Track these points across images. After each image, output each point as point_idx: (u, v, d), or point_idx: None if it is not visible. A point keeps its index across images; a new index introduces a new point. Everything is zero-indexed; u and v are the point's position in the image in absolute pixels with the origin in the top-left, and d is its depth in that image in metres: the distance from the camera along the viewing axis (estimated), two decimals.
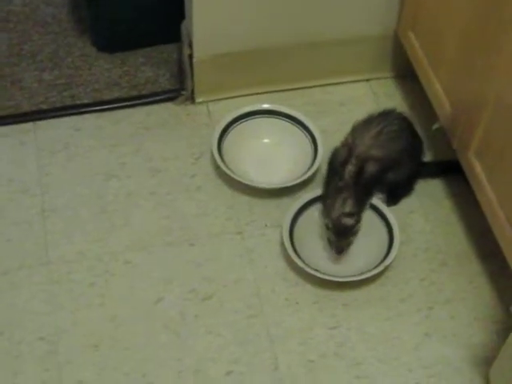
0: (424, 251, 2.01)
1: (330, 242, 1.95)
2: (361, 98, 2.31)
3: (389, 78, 2.36)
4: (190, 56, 2.19)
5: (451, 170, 2.06)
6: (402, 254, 1.98)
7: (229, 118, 2.16)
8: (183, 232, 2.02)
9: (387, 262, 1.93)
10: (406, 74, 2.30)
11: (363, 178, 1.93)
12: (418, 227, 2.05)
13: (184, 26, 2.20)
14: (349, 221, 1.90)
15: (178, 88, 2.29)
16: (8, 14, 2.47)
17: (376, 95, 2.32)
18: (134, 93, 2.29)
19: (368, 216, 1.98)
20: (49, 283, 1.92)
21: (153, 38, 2.38)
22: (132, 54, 2.38)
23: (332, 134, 2.17)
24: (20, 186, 2.09)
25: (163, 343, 1.84)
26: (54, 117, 2.23)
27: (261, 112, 2.18)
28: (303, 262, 1.92)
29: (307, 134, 2.15)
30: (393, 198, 2.07)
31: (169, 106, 2.27)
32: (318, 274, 1.90)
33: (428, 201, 2.09)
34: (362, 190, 1.95)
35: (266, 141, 2.18)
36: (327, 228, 1.93)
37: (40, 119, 2.22)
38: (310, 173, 2.07)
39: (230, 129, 2.15)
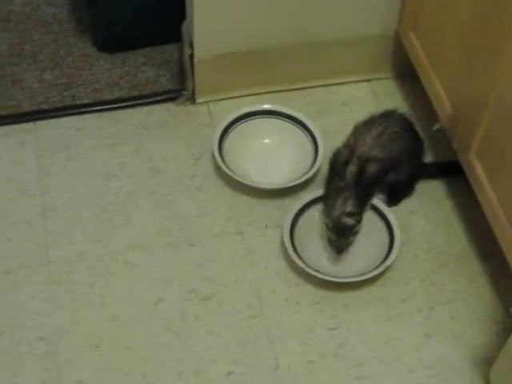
0: (425, 252, 2.01)
1: (330, 241, 1.95)
2: (361, 99, 2.31)
3: (389, 78, 2.36)
4: (191, 56, 2.19)
5: (452, 171, 2.06)
6: (403, 254, 1.98)
7: (229, 119, 2.15)
8: (183, 232, 2.02)
9: (388, 262, 1.92)
10: (406, 75, 2.30)
11: (364, 178, 1.93)
12: (418, 228, 2.05)
13: (185, 26, 2.20)
14: (349, 221, 1.90)
15: (179, 88, 2.28)
16: (9, 14, 2.47)
17: (377, 95, 2.32)
18: (135, 93, 2.29)
19: (368, 216, 1.98)
20: (49, 283, 1.92)
21: (153, 38, 2.38)
22: (132, 54, 2.38)
23: (333, 134, 2.17)
24: (20, 186, 2.09)
25: (163, 344, 1.84)
26: (54, 117, 2.23)
27: (261, 112, 2.18)
28: (304, 262, 1.92)
29: (308, 134, 2.15)
30: (393, 199, 2.07)
31: (169, 106, 2.27)
32: (319, 275, 1.90)
33: (429, 201, 2.09)
34: (363, 190, 1.95)
35: (266, 141, 2.18)
36: (327, 228, 1.93)
37: (40, 119, 2.22)
38: (310, 173, 2.07)
39: (230, 129, 2.15)
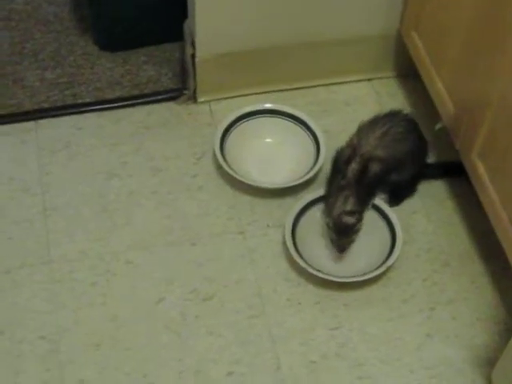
0: (426, 252, 2.00)
1: (331, 240, 1.94)
2: (363, 98, 2.31)
3: (391, 77, 2.36)
4: (193, 55, 2.19)
5: (454, 172, 2.06)
6: (405, 254, 1.98)
7: (231, 118, 2.15)
8: (184, 232, 2.02)
9: (389, 262, 1.92)
10: (408, 74, 2.30)
11: (366, 178, 1.93)
12: (420, 228, 2.04)
13: (186, 25, 2.19)
14: (350, 219, 1.89)
15: (180, 87, 2.28)
16: (10, 13, 2.47)
17: (378, 95, 2.32)
18: (136, 92, 2.29)
19: (370, 216, 1.98)
20: (50, 282, 1.92)
21: (155, 37, 2.38)
22: (134, 53, 2.38)
23: (334, 133, 2.16)
24: (21, 185, 2.09)
25: (164, 343, 1.84)
26: (55, 115, 2.23)
27: (263, 111, 2.18)
28: (305, 262, 1.92)
29: (310, 133, 2.15)
30: (395, 199, 2.07)
31: (171, 105, 2.27)
32: (320, 275, 1.90)
33: (430, 201, 2.09)
34: (365, 189, 1.94)
35: (268, 140, 2.18)
36: (328, 227, 1.93)
37: (41, 118, 2.22)
38: (312, 173, 2.07)
39: (232, 128, 2.15)
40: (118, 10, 2.30)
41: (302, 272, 1.94)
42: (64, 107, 2.24)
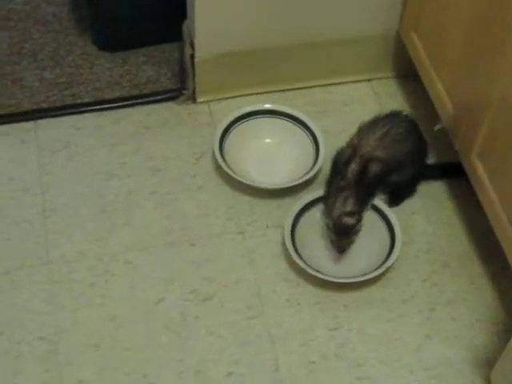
0: (426, 252, 2.00)
1: (331, 241, 1.94)
2: (362, 98, 2.31)
3: (390, 78, 2.35)
4: (192, 55, 2.19)
5: (454, 173, 2.06)
6: (404, 255, 1.98)
7: (230, 118, 2.15)
8: (184, 232, 2.02)
9: (389, 263, 1.92)
10: (407, 74, 2.30)
11: (366, 178, 1.93)
12: (419, 228, 2.04)
13: (186, 25, 2.19)
14: (349, 220, 1.89)
15: (180, 87, 2.28)
16: (9, 13, 2.46)
17: (377, 95, 2.32)
18: (135, 92, 2.29)
19: (370, 217, 1.98)
20: (49, 283, 1.91)
21: (154, 37, 2.38)
22: (133, 53, 2.38)
23: (334, 133, 2.17)
24: (20, 185, 2.08)
25: (164, 344, 1.84)
26: (54, 116, 2.23)
27: (262, 112, 2.18)
28: (305, 262, 1.92)
29: (309, 134, 2.15)
30: (395, 199, 2.06)
31: (170, 105, 2.27)
32: (320, 275, 1.90)
33: (430, 202, 2.09)
34: (365, 189, 1.94)
35: (267, 141, 2.18)
36: (328, 228, 1.92)
37: (41, 118, 2.22)
38: (311, 173, 2.07)
39: (231, 128, 2.14)
40: (117, 10, 2.30)
41: (301, 272, 1.94)
42: (63, 107, 2.24)
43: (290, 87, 2.29)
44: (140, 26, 2.34)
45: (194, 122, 2.24)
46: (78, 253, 1.97)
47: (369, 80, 2.35)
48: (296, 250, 1.93)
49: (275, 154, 2.15)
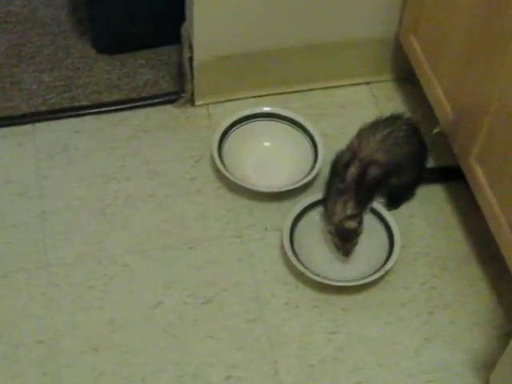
0: (424, 256, 2.00)
1: (335, 246, 1.94)
2: (361, 101, 2.31)
3: (389, 81, 2.35)
4: (190, 58, 2.18)
5: (453, 176, 2.06)
6: (403, 258, 1.98)
7: (229, 121, 2.15)
8: (182, 235, 2.01)
9: (388, 266, 1.92)
10: (406, 77, 2.29)
11: (366, 181, 1.93)
12: (418, 231, 2.04)
13: (184, 28, 2.19)
14: (352, 224, 1.89)
15: (178, 90, 2.28)
16: (7, 15, 2.46)
17: (376, 98, 2.31)
18: (134, 95, 2.28)
19: (368, 220, 1.97)
20: (48, 286, 1.91)
21: (152, 39, 2.37)
22: (131, 56, 2.37)
23: (332, 136, 2.17)
24: (19, 188, 2.08)
25: (162, 347, 1.83)
26: (53, 119, 2.22)
27: (261, 115, 2.18)
28: (303, 266, 1.91)
29: (308, 137, 2.15)
30: (394, 202, 2.06)
31: (168, 108, 2.27)
32: (318, 279, 1.90)
33: (429, 205, 2.09)
34: (364, 192, 1.94)
35: (266, 144, 2.17)
36: (331, 233, 1.92)
37: (39, 121, 2.22)
38: (310, 176, 2.07)
39: (230, 132, 2.14)
40: (116, 13, 2.30)
41: (299, 276, 1.93)
42: (61, 110, 2.24)
43: (288, 90, 2.29)
44: (138, 28, 2.34)
45: (193, 125, 2.23)
46: (76, 256, 1.96)
47: (368, 83, 2.35)
48: (295, 254, 1.93)
49: (274, 157, 2.15)
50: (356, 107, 2.29)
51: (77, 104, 2.26)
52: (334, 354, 1.84)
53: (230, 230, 2.03)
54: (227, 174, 2.06)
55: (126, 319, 1.87)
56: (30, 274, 1.93)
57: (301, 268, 1.91)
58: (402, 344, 1.86)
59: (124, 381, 1.79)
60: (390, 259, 1.93)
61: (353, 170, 1.92)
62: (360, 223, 1.90)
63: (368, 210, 1.99)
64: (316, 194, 2.03)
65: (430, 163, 2.12)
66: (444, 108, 1.99)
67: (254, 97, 2.27)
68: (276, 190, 2.07)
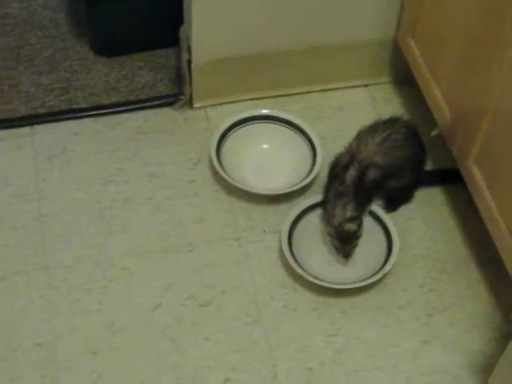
0: (423, 258, 2.00)
1: (335, 248, 1.94)
2: (359, 104, 2.31)
3: (387, 83, 2.35)
4: (189, 61, 2.18)
5: (451, 178, 2.06)
6: (401, 260, 1.98)
7: (227, 124, 2.15)
8: (181, 238, 2.01)
9: (386, 268, 1.92)
10: (404, 80, 2.30)
11: (365, 183, 1.93)
12: (417, 234, 2.04)
13: (183, 30, 2.19)
14: (351, 226, 1.89)
15: (176, 93, 2.28)
16: (5, 17, 2.46)
17: (374, 101, 2.32)
18: (132, 97, 2.28)
19: (367, 222, 1.97)
20: (46, 289, 1.91)
21: (151, 42, 2.37)
22: (130, 59, 2.37)
23: (330, 139, 2.17)
24: (17, 191, 2.08)
25: (161, 350, 1.83)
26: (51, 121, 2.22)
27: (259, 117, 2.18)
28: (302, 268, 1.91)
29: (306, 139, 2.15)
30: (392, 205, 2.06)
31: (167, 111, 2.27)
32: (317, 281, 1.90)
33: (427, 207, 2.09)
34: (363, 195, 1.94)
35: (264, 146, 2.17)
36: (331, 236, 1.92)
37: (37, 123, 2.22)
38: (308, 179, 2.07)
39: (228, 134, 2.14)
40: (114, 15, 2.30)
41: (298, 278, 1.93)
42: (60, 112, 2.24)
43: (286, 92, 2.29)
44: (137, 31, 2.34)
45: (191, 128, 2.23)
46: (75, 258, 1.96)
47: (366, 85, 2.35)
48: (293, 256, 1.93)
49: (272, 160, 2.15)
50: (354, 109, 2.29)
51: (75, 106, 2.26)
52: (332, 356, 1.84)
53: (229, 232, 2.03)
54: (225, 177, 2.06)
55: (124, 322, 1.87)
56: (28, 276, 1.93)
57: (299, 271, 1.91)
58: (400, 347, 1.86)
59: (123, 383, 1.78)
60: (389, 262, 1.93)
61: (352, 173, 1.92)
62: (360, 225, 1.90)
63: (367, 213, 1.99)
64: (314, 197, 2.03)
65: (429, 166, 2.12)
66: (442, 110, 1.99)
67: (253, 99, 2.27)
68: (274, 192, 2.07)
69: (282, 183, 2.09)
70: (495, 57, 1.71)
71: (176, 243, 2.00)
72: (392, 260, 1.93)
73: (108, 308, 1.89)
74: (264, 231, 2.03)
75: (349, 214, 1.90)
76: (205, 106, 2.27)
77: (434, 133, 2.07)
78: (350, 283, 1.91)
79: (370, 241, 1.97)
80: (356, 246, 1.93)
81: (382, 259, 1.95)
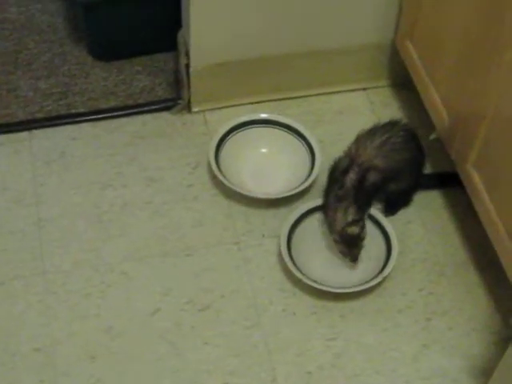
0: (422, 262, 2.00)
1: (342, 253, 1.94)
2: (358, 107, 2.31)
3: (386, 86, 2.35)
4: (187, 65, 2.18)
5: (450, 182, 2.06)
6: (400, 264, 1.97)
7: (226, 128, 2.15)
8: (180, 242, 2.01)
9: (385, 272, 1.92)
10: (403, 83, 2.30)
11: (365, 187, 1.93)
12: (416, 237, 2.04)
13: (181, 35, 2.19)
14: (355, 229, 1.89)
15: (175, 97, 2.28)
16: (3, 22, 2.46)
17: (373, 104, 2.32)
18: (130, 102, 2.28)
19: (366, 226, 1.97)
20: (44, 293, 1.91)
21: (149, 46, 2.37)
22: (128, 63, 2.37)
23: (329, 143, 2.17)
24: (15, 195, 2.08)
25: (160, 354, 1.83)
26: (49, 126, 2.22)
27: (258, 121, 2.18)
28: (301, 272, 1.91)
29: (304, 143, 2.15)
30: (391, 209, 2.06)
31: (165, 115, 2.26)
32: (316, 285, 1.89)
33: (426, 211, 2.09)
34: (363, 198, 1.94)
35: (263, 150, 2.17)
36: (335, 241, 1.92)
37: (35, 128, 2.21)
38: (307, 183, 2.07)
39: (227, 138, 2.14)
40: (112, 19, 2.30)
41: (297, 282, 1.93)
42: (58, 117, 2.24)
43: (285, 96, 2.29)
44: (135, 35, 2.34)
45: (190, 132, 2.23)
46: (73, 263, 1.96)
47: (364, 89, 2.35)
48: (292, 260, 1.93)
49: (271, 164, 2.15)
50: (353, 113, 2.29)
51: (73, 111, 2.25)
52: (331, 360, 1.84)
53: (227, 236, 2.03)
54: (224, 181, 2.06)
55: (123, 326, 1.87)
56: (26, 281, 1.92)
57: (298, 275, 1.90)
58: (399, 350, 1.86)
59: None
60: (388, 265, 1.93)
61: (352, 176, 1.92)
62: (363, 227, 1.90)
63: (367, 216, 1.98)
64: (313, 201, 2.03)
65: (428, 169, 2.12)
66: (440, 114, 1.99)
67: (251, 103, 2.27)
68: (273, 196, 2.07)
69: (281, 187, 2.09)
70: (493, 60, 1.71)
71: (175, 247, 2.00)
72: (391, 264, 1.93)
73: (106, 313, 1.89)
74: (263, 235, 2.03)
75: (350, 217, 1.90)
76: (203, 111, 2.27)
77: (432, 136, 2.07)
78: (349, 287, 1.91)
79: (369, 244, 1.97)
80: (362, 247, 1.92)
81: (381, 263, 1.95)
